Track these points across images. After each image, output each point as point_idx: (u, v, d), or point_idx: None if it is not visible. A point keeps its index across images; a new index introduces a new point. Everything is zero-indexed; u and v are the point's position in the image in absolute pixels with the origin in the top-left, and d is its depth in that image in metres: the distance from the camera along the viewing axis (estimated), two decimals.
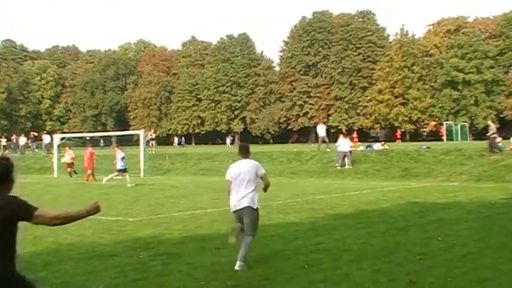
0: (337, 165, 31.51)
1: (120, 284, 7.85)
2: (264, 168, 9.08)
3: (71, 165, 34.52)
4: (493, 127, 31.99)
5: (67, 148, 36.39)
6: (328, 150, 35.67)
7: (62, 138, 44.74)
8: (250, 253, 9.76)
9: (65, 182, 31.16)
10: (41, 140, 54.20)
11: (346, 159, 31.40)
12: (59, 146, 40.90)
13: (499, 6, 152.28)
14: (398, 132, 75.73)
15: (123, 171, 28.05)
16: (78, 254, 10.03)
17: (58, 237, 11.79)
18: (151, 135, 50.46)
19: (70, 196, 22.05)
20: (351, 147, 33.09)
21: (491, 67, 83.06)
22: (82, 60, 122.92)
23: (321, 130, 38.60)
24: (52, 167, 38.15)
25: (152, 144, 48.36)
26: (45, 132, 59.22)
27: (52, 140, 44.33)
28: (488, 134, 32.11)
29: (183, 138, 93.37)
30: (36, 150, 51.75)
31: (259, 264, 8.91)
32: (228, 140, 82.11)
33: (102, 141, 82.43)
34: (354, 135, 71.57)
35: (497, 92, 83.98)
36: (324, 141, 37.87)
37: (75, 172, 34.36)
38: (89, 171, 32.06)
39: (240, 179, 8.77)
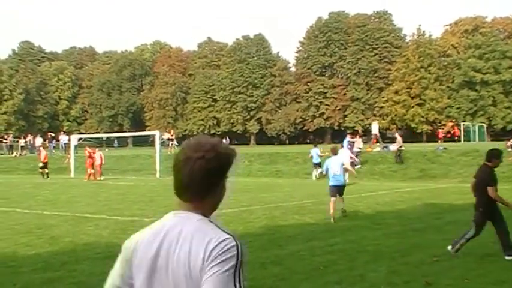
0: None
1: None
2: None
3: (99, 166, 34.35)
4: (399, 140, 32.22)
5: (96, 149, 36.00)
6: (378, 149, 35.47)
7: (80, 139, 45.08)
8: (264, 253, 9.77)
9: (81, 182, 31.35)
10: (58, 140, 54.62)
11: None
12: (75, 146, 41.19)
13: None
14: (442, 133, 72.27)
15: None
16: (94, 254, 10.09)
17: (75, 237, 11.88)
18: (171, 135, 50.55)
19: (87, 196, 22.18)
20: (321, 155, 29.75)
21: (510, 67, 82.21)
22: (99, 61, 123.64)
23: (375, 128, 39.17)
24: (68, 167, 38.40)
25: (170, 144, 48.47)
26: (62, 132, 59.52)
27: (69, 140, 44.63)
28: (396, 147, 32.01)
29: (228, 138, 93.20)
30: (53, 151, 52.14)
31: (274, 264, 8.90)
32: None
33: (116, 141, 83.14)
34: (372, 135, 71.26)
35: None
36: (376, 140, 38.01)
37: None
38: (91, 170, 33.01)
39: None
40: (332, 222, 13.64)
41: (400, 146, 31.76)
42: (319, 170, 26.47)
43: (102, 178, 33.07)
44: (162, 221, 2.36)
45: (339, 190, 14.94)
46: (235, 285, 2.12)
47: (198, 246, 2.11)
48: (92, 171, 32.99)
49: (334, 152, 16.13)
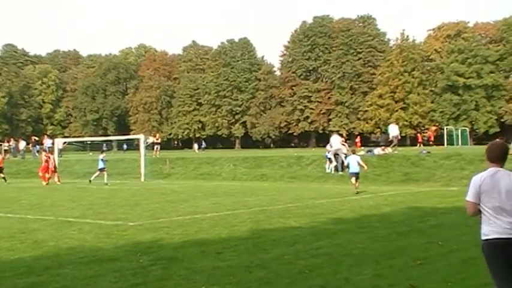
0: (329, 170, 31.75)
1: None
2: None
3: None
4: (341, 148, 32.06)
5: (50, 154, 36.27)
6: (396, 152, 35.40)
7: (64, 142, 44.83)
8: (249, 257, 9.77)
9: (65, 186, 31.17)
10: (42, 144, 54.24)
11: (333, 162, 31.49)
12: (60, 150, 40.93)
13: (500, 11, 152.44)
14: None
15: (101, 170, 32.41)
16: (78, 258, 10.02)
17: (58, 242, 11.79)
18: (157, 139, 50.39)
19: (70, 200, 22.03)
20: None
21: (492, 72, 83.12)
22: (83, 65, 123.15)
23: (394, 130, 38.45)
24: None
25: (156, 148, 48.33)
26: (46, 136, 59.10)
27: (53, 144, 44.34)
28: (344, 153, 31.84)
29: (203, 142, 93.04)
30: (37, 155, 51.74)
31: (259, 268, 8.90)
32: (196, 146, 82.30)
33: (104, 145, 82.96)
34: (357, 139, 71.76)
35: (497, 97, 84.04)
36: (392, 143, 37.64)
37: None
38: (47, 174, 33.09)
39: None
40: (355, 192, 22.18)
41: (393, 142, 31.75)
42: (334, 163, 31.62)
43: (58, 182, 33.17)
44: (492, 171, 5.47)
45: (356, 175, 22.95)
46: None
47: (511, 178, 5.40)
48: (48, 175, 32.99)
49: (353, 152, 25.45)
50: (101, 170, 32.29)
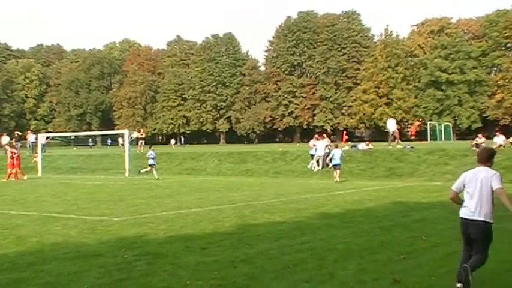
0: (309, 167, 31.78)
1: (104, 284, 7.81)
2: None
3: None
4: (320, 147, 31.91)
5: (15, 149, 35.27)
6: (399, 146, 35.27)
7: (47, 138, 44.46)
8: (234, 252, 9.78)
9: (49, 181, 30.95)
10: (25, 139, 53.76)
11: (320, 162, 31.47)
12: (43, 145, 40.59)
13: (482, 7, 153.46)
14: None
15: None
16: (62, 254, 9.96)
17: (42, 237, 11.71)
18: (141, 134, 50.08)
19: (54, 196, 21.89)
20: None
21: (474, 67, 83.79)
22: (66, 59, 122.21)
23: (391, 125, 38.08)
24: (36, 167, 37.88)
25: (140, 143, 48.06)
26: (29, 131, 58.56)
27: (37, 139, 43.97)
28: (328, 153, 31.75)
29: (180, 137, 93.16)
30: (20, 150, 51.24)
31: (244, 263, 8.92)
32: (173, 141, 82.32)
33: (90, 140, 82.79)
34: (344, 134, 72.31)
35: (480, 92, 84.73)
36: (394, 137, 37.40)
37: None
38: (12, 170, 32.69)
39: None
40: (334, 181, 25.95)
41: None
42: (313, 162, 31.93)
43: (25, 177, 32.73)
44: (476, 168, 7.20)
45: (338, 166, 26.70)
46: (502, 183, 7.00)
47: (489, 173, 7.09)
48: (13, 171, 32.61)
49: (336, 146, 28.83)
50: (152, 165, 31.66)
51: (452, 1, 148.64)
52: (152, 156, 31.88)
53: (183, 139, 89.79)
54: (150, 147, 33.51)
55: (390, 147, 35.64)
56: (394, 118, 45.87)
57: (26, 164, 39.73)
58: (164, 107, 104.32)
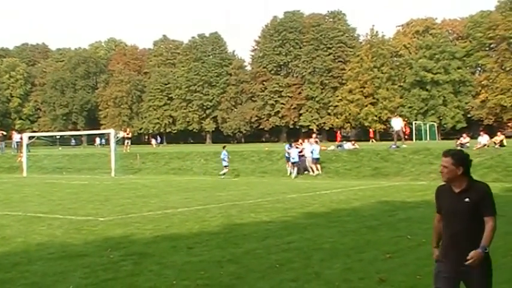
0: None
1: (90, 284, 7.79)
2: None
3: None
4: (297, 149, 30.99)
5: None
6: (404, 146, 34.71)
7: (31, 137, 44.15)
8: (220, 252, 9.79)
9: (34, 181, 30.75)
10: (10, 138, 53.37)
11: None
12: (28, 145, 40.33)
13: (466, 8, 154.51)
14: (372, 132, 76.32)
15: None
16: (47, 254, 9.92)
17: (27, 237, 11.65)
18: (127, 134, 49.89)
19: (39, 195, 21.77)
20: None
21: (459, 68, 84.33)
22: (52, 59, 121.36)
23: (396, 124, 36.61)
24: (21, 166, 37.62)
25: (126, 143, 47.90)
26: (14, 131, 58.16)
27: (21, 139, 43.68)
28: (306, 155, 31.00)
29: (159, 137, 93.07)
30: (4, 150, 50.87)
31: (230, 263, 8.93)
32: (154, 141, 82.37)
33: (73, 140, 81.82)
34: (337, 134, 73.46)
35: (464, 92, 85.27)
36: (399, 137, 36.45)
37: None
38: None
39: None
40: (314, 175, 29.14)
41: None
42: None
43: None
44: None
45: (317, 160, 29.61)
46: None
47: None
48: None
49: (316, 142, 31.83)
50: (226, 166, 31.03)
51: (437, 2, 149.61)
52: (226, 157, 31.13)
53: (159, 138, 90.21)
54: (223, 148, 32.47)
55: (395, 146, 34.54)
56: (399, 116, 44.55)
57: (11, 164, 39.52)
58: (150, 106, 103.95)
